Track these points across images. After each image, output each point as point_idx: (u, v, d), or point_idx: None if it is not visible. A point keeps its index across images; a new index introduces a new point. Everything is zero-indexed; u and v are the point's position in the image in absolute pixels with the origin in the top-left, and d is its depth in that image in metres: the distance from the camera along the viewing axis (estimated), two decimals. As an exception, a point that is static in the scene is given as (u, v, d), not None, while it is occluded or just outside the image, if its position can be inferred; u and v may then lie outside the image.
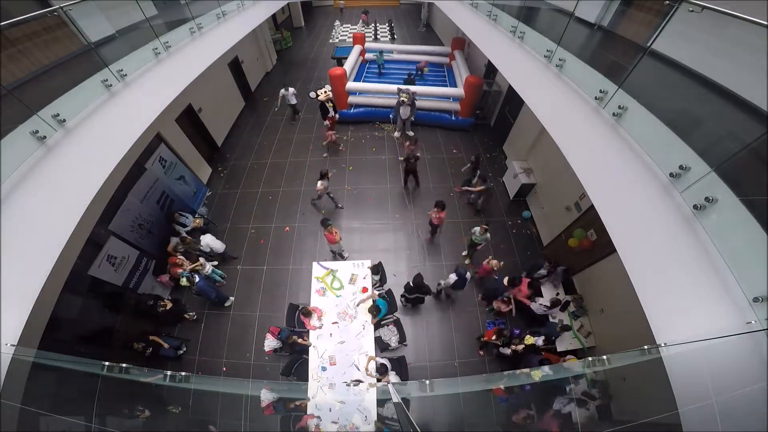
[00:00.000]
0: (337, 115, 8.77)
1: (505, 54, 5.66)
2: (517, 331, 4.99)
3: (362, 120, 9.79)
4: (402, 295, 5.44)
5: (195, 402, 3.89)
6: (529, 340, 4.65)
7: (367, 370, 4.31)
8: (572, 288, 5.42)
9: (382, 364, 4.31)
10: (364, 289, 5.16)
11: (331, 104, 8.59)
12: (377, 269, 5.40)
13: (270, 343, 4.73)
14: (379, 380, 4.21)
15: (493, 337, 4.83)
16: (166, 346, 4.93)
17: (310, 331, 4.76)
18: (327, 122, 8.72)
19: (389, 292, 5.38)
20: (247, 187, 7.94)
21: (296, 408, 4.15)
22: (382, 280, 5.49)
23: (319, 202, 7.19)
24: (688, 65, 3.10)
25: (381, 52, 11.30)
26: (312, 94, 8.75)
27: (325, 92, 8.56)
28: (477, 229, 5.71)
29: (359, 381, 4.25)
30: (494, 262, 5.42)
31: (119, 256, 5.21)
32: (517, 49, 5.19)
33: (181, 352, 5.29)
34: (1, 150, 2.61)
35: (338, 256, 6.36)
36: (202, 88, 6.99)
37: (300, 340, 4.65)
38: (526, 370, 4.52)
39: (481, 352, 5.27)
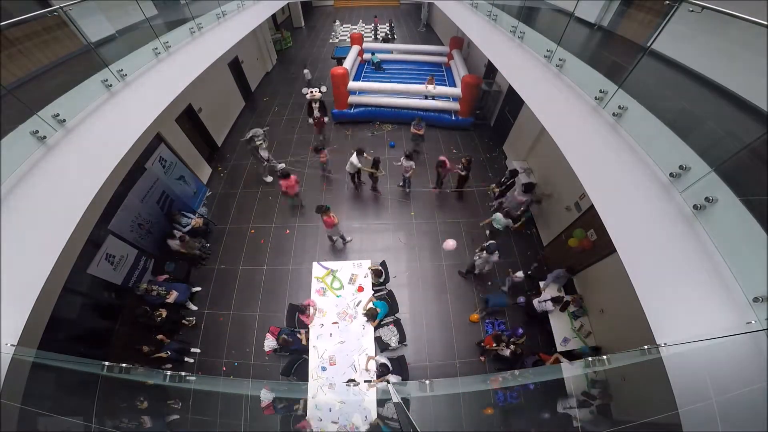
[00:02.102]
0: (325, 118, 8.55)
1: (505, 54, 5.66)
2: (521, 331, 4.99)
3: (362, 120, 9.80)
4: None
5: (195, 402, 3.89)
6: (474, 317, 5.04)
7: (367, 369, 4.31)
8: (572, 288, 5.42)
9: (383, 364, 4.31)
10: (360, 288, 5.15)
11: (317, 104, 8.27)
12: (380, 272, 5.37)
13: (270, 343, 4.73)
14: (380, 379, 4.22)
15: (494, 344, 4.83)
16: (164, 355, 4.83)
17: (311, 331, 4.76)
18: (313, 124, 8.61)
19: (390, 293, 5.38)
20: (247, 187, 7.93)
21: (296, 410, 4.15)
22: (386, 280, 5.48)
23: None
24: (687, 65, 3.10)
25: (373, 53, 11.43)
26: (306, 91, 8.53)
27: (318, 90, 8.41)
28: (499, 215, 5.89)
29: (353, 380, 4.24)
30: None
31: (118, 255, 5.21)
32: (517, 49, 5.19)
33: (192, 360, 5.25)
34: (1, 150, 2.61)
35: (340, 240, 6.46)
36: (202, 88, 6.99)
37: (300, 336, 4.64)
38: (528, 370, 4.55)
39: (482, 358, 5.24)
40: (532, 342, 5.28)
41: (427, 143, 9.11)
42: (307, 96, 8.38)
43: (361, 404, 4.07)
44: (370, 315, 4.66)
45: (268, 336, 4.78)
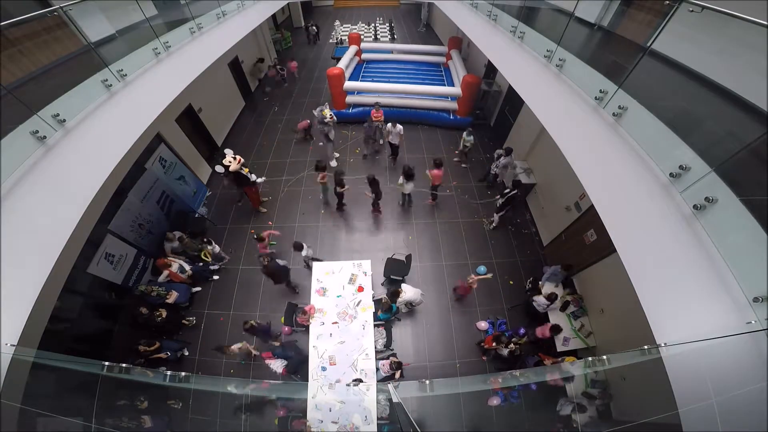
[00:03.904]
0: (260, 179, 6.67)
1: (505, 54, 5.66)
2: (523, 330, 5.00)
3: (361, 120, 9.78)
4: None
5: (194, 401, 3.89)
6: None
7: (390, 369, 4.41)
8: (572, 288, 5.42)
9: (398, 362, 4.40)
10: (360, 288, 5.16)
11: (247, 169, 6.36)
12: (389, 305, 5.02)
13: (276, 364, 4.65)
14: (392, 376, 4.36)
15: (493, 344, 4.84)
16: (164, 356, 4.86)
17: (310, 332, 4.76)
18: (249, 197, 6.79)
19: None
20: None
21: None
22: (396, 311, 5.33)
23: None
24: (687, 65, 3.10)
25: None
26: (219, 168, 6.17)
27: (236, 158, 6.05)
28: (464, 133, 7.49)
29: (359, 380, 4.25)
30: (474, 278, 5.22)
31: (117, 254, 5.22)
32: (517, 49, 5.19)
33: (186, 353, 5.27)
34: (1, 150, 2.61)
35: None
36: (202, 88, 6.98)
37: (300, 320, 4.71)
38: (531, 369, 4.55)
39: (484, 357, 5.25)
40: (533, 342, 5.27)
41: (426, 144, 9.13)
42: (232, 167, 6.01)
43: (361, 404, 4.06)
44: (385, 307, 4.74)
45: (269, 361, 4.71)
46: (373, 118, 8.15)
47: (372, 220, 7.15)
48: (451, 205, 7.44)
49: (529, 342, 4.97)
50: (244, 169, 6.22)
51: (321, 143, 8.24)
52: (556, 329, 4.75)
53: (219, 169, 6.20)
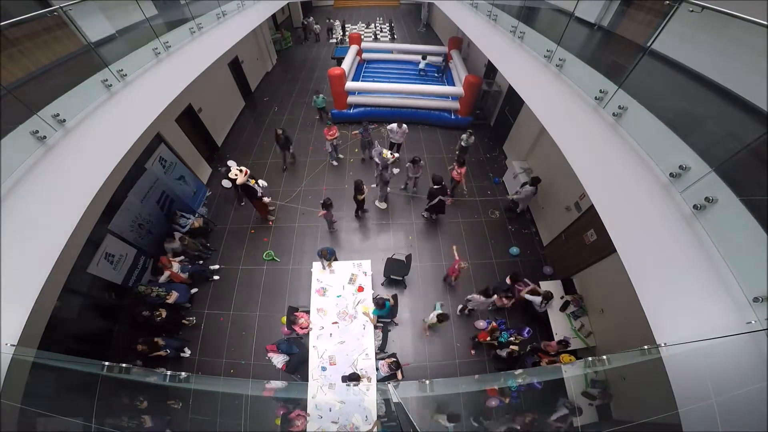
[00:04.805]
0: (260, 183, 6.34)
1: (505, 54, 5.66)
2: (512, 331, 5.00)
3: (361, 120, 9.78)
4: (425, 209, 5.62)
5: (194, 401, 3.90)
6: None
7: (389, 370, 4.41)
8: (572, 288, 5.42)
9: (396, 362, 4.41)
10: (360, 288, 5.16)
11: (254, 180, 6.18)
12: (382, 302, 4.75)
13: (278, 358, 4.66)
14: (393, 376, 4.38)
15: (488, 338, 4.82)
16: (163, 353, 4.86)
17: (311, 332, 4.76)
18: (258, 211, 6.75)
19: (395, 297, 5.37)
20: (247, 187, 7.91)
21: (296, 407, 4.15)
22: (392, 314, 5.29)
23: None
24: (688, 65, 3.10)
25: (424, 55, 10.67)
26: (226, 183, 6.06)
27: (242, 170, 5.93)
28: (464, 135, 7.51)
29: (356, 375, 4.23)
30: (464, 264, 5.35)
31: (117, 254, 5.23)
32: (517, 49, 5.19)
33: (186, 354, 5.28)
34: (1, 150, 2.61)
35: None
36: (202, 88, 6.99)
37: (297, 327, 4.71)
38: (529, 370, 4.55)
39: (473, 352, 5.29)
40: (532, 342, 5.27)
41: (426, 144, 9.12)
42: (239, 180, 5.86)
43: (361, 404, 4.07)
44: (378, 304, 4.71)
45: (271, 355, 4.72)
46: (327, 137, 7.75)
47: (372, 220, 7.15)
48: (451, 208, 7.42)
49: (533, 351, 4.97)
50: (251, 180, 6.10)
51: (374, 185, 7.26)
52: (564, 344, 4.75)
53: (226, 183, 6.08)
